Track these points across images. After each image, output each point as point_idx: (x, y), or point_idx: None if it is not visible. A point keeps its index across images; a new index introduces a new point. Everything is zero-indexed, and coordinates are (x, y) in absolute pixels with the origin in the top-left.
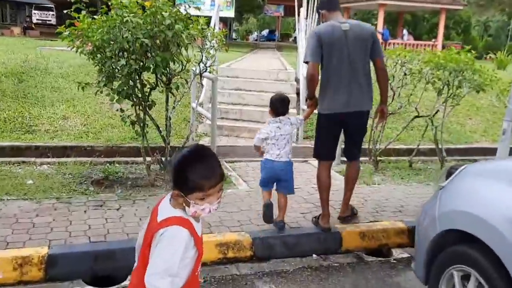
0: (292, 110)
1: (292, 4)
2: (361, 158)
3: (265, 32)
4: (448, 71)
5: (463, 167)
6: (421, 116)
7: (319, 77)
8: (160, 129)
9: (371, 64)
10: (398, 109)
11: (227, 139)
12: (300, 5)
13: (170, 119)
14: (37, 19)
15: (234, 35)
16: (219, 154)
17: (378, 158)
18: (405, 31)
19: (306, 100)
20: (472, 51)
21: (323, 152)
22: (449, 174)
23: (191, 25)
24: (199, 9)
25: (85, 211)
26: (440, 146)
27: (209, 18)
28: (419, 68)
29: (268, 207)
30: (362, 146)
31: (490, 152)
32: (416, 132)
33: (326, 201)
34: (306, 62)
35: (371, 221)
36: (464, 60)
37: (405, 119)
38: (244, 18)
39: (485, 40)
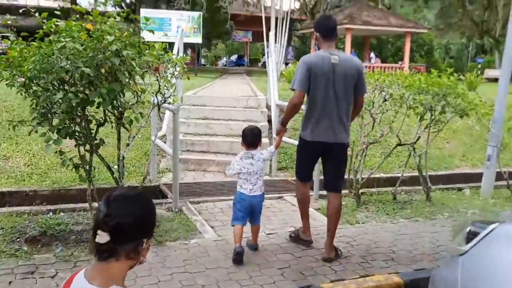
0: (264, 140)
1: (260, 30)
2: (342, 192)
3: (234, 57)
4: (430, 95)
5: (490, 228)
6: (403, 144)
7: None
8: (113, 169)
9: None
10: (380, 138)
11: (193, 174)
12: (268, 30)
13: (123, 158)
14: None
15: (203, 61)
16: (183, 194)
17: (360, 191)
18: (372, 54)
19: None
20: (454, 74)
21: (299, 174)
22: (470, 234)
23: (147, 51)
24: (166, 35)
25: (10, 282)
26: (424, 175)
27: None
28: (400, 93)
29: (240, 255)
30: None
31: (474, 178)
32: (395, 159)
33: (307, 214)
34: (293, 89)
35: (361, 276)
36: (447, 83)
37: (385, 147)
38: (212, 44)
39: (447, 62)
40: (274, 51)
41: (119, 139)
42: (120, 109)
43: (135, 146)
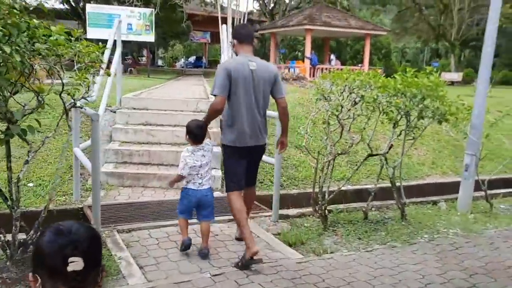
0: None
1: (218, 31)
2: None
3: (192, 58)
4: (407, 98)
5: None
6: (376, 155)
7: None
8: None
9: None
10: (349, 148)
11: (129, 191)
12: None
13: (18, 181)
14: None
15: (160, 62)
16: (110, 219)
17: (326, 209)
18: (333, 56)
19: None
20: (433, 73)
21: (235, 184)
22: None
23: (50, 38)
24: None
25: None
26: (399, 188)
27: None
28: (374, 96)
29: (188, 247)
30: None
31: (447, 188)
32: (362, 168)
33: (248, 229)
34: (213, 95)
35: None
36: (426, 84)
37: (352, 155)
38: (169, 45)
39: (403, 65)
40: (228, 49)
41: (8, 156)
42: (7, 115)
43: (56, 157)
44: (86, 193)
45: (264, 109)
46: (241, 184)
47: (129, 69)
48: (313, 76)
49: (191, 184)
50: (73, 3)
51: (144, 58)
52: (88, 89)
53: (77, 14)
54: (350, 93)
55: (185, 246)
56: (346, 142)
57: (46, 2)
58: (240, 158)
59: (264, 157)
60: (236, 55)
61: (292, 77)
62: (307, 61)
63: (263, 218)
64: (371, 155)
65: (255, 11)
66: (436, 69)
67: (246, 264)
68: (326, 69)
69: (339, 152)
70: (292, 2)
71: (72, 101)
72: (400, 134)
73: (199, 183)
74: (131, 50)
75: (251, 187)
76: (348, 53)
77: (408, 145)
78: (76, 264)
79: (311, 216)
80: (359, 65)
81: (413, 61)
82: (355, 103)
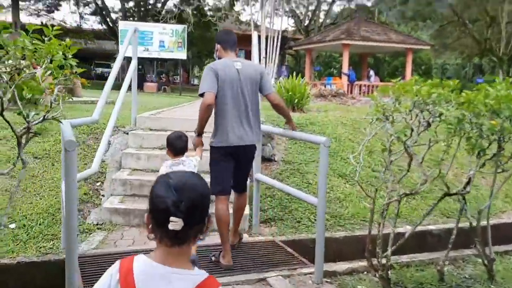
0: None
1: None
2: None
3: None
4: (502, 118)
5: None
6: (454, 194)
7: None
8: None
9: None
10: (421, 186)
11: (135, 234)
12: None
13: None
14: None
15: (196, 81)
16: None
17: (389, 269)
18: (372, 72)
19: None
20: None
21: (220, 187)
22: None
23: None
24: (147, 49)
25: None
26: (485, 239)
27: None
28: (457, 114)
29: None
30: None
31: None
32: (421, 202)
33: (227, 237)
34: (201, 95)
35: None
36: None
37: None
38: (204, 63)
39: (445, 81)
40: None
41: None
42: None
43: (52, 189)
44: (82, 235)
45: (253, 107)
46: (227, 189)
47: (162, 87)
48: (351, 93)
49: None
50: (110, 23)
51: (179, 77)
52: (51, 106)
53: (114, 34)
54: (421, 111)
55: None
56: (415, 180)
57: (85, 23)
58: (226, 160)
59: (304, 195)
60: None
61: (331, 93)
62: (344, 78)
63: (302, 277)
64: (448, 194)
65: (289, 28)
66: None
67: (219, 265)
68: (365, 85)
69: (407, 192)
70: (328, 20)
71: (27, 124)
72: (484, 165)
73: None
74: (167, 69)
75: (241, 194)
76: (386, 69)
77: (501, 179)
78: (175, 224)
79: (365, 273)
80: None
81: (454, 77)
82: (429, 125)
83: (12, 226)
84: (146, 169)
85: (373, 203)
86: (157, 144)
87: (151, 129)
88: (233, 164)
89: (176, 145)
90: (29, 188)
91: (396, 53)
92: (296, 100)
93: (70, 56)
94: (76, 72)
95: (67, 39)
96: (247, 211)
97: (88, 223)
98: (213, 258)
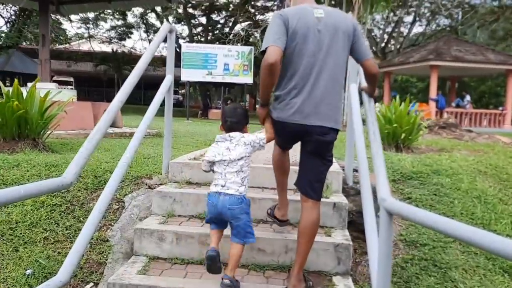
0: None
1: None
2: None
3: None
4: None
5: None
6: None
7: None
8: None
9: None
10: None
11: None
12: None
13: None
14: None
15: None
16: None
17: None
18: (468, 97)
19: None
20: None
21: (278, 144)
22: None
23: None
24: (210, 73)
25: None
26: None
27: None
28: None
29: (211, 260)
30: None
31: None
32: None
33: (282, 186)
34: (263, 52)
35: None
36: None
37: None
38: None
39: None
40: None
41: None
42: None
43: None
44: None
45: (336, 74)
46: (284, 146)
47: None
48: (440, 118)
49: (213, 186)
50: (178, 49)
51: (246, 103)
52: None
53: (180, 60)
54: None
55: (207, 258)
56: None
57: (160, 51)
58: (286, 138)
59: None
60: None
61: (438, 124)
62: (432, 104)
63: None
64: None
65: None
66: None
67: (271, 216)
68: (466, 114)
69: None
70: (407, 42)
71: None
72: None
73: (222, 185)
74: (234, 94)
75: (309, 200)
76: (472, 95)
77: None
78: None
79: None
80: (500, 108)
81: None
82: None
83: None
84: (175, 258)
85: None
86: (197, 210)
87: (190, 183)
88: (295, 141)
89: (226, 118)
90: None
91: (483, 77)
92: (402, 136)
93: None
94: None
95: None
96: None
97: None
98: (268, 211)
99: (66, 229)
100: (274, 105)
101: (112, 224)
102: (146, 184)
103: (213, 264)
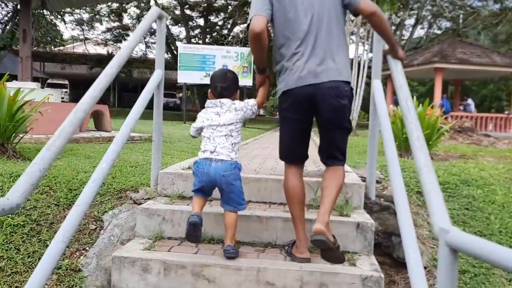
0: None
1: None
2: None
3: None
4: None
5: None
6: None
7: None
8: None
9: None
10: None
11: None
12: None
13: None
14: None
15: (261, 111)
16: None
17: None
18: (470, 101)
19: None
20: None
21: (286, 152)
22: None
23: None
24: (208, 75)
25: None
26: None
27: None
28: None
29: (194, 225)
30: None
31: None
32: None
33: (300, 219)
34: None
35: None
36: None
37: None
38: (271, 94)
39: None
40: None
41: None
42: None
43: None
44: None
45: (333, 29)
46: (296, 156)
47: None
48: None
49: (201, 153)
50: (175, 52)
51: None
52: None
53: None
54: None
55: (189, 223)
56: None
57: (151, 52)
58: (294, 112)
59: None
60: None
61: (453, 128)
62: (437, 108)
63: None
64: None
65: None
66: None
67: (289, 254)
68: (466, 117)
69: None
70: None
71: None
72: None
73: (211, 151)
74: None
75: (331, 167)
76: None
77: None
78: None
79: None
80: (506, 112)
81: None
82: None
83: None
84: None
85: None
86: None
87: (183, 197)
88: (306, 118)
89: (216, 84)
90: None
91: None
92: None
93: None
94: None
95: None
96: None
97: None
98: (286, 248)
99: (28, 257)
100: (279, 80)
101: (87, 248)
102: (131, 199)
103: (195, 230)
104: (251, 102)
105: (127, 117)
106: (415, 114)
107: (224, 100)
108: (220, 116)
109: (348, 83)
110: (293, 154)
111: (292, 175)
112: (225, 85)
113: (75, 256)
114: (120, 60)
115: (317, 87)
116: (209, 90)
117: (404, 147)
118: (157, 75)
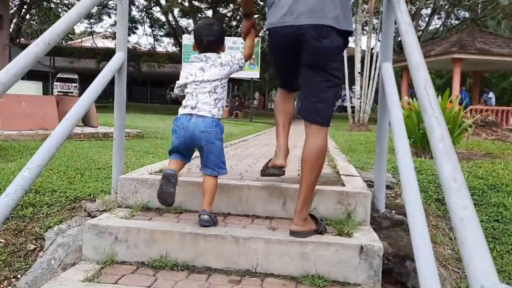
0: None
1: None
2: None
3: None
4: None
5: None
6: None
7: None
8: None
9: None
10: None
11: None
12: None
13: None
14: (59, 91)
15: (272, 106)
16: None
17: None
18: (491, 94)
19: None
20: None
21: (279, 80)
22: None
23: None
24: None
25: None
26: None
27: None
28: None
29: (167, 179)
30: None
31: None
32: None
33: (284, 126)
34: None
35: None
36: None
37: None
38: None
39: None
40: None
41: None
42: None
43: None
44: None
45: None
46: (287, 85)
47: (234, 112)
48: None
49: (181, 109)
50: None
51: (255, 101)
52: None
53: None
54: None
55: (163, 176)
56: None
57: (160, 45)
58: (279, 51)
59: None
60: None
61: (476, 122)
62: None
63: None
64: None
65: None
66: None
67: (266, 172)
68: (486, 110)
69: None
70: (426, 33)
71: None
72: None
73: (192, 107)
74: (243, 92)
75: (314, 124)
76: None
77: None
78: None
79: None
80: None
81: None
82: None
83: None
84: None
85: None
86: (150, 254)
87: (147, 208)
88: (290, 56)
89: (202, 36)
90: None
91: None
92: None
93: None
94: None
95: None
96: None
97: None
98: (262, 169)
99: None
100: (267, 14)
101: (19, 276)
102: (85, 210)
103: (168, 185)
104: (238, 56)
105: (76, 104)
106: (438, 105)
107: (209, 54)
108: (204, 72)
109: (343, 33)
110: (281, 74)
111: (284, 95)
112: (212, 38)
113: (2, 286)
114: (53, 33)
115: (299, 30)
116: (193, 44)
117: (421, 145)
118: (117, 58)
